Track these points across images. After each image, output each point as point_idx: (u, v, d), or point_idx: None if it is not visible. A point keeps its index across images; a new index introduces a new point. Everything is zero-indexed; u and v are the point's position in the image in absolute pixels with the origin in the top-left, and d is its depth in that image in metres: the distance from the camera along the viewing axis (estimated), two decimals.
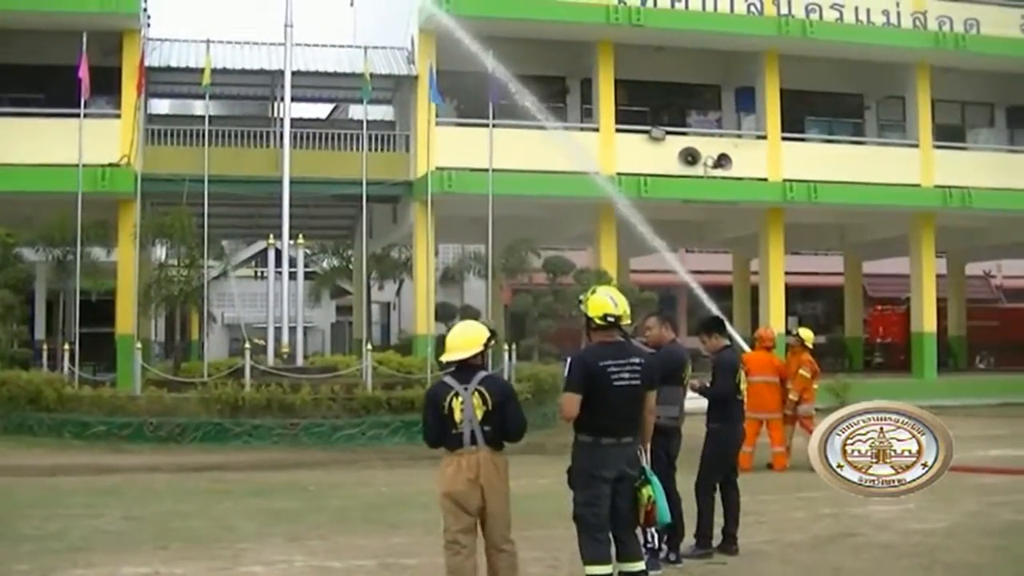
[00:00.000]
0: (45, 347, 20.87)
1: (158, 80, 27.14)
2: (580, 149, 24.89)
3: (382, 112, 30.65)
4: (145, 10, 24.59)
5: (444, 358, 6.66)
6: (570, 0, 25.35)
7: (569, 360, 6.69)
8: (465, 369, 6.54)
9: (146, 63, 23.67)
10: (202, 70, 22.40)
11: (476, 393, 6.45)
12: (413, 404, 17.80)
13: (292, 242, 21.41)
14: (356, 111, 30.18)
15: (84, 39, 20.54)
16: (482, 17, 23.38)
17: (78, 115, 20.92)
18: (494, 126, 23.20)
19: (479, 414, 6.42)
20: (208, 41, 23.78)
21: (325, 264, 33.20)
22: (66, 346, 19.43)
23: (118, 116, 23.60)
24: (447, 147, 24.55)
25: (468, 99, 26.14)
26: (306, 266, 25.58)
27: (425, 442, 6.72)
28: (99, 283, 24.66)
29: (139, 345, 19.72)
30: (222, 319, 33.45)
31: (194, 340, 29.58)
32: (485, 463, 6.43)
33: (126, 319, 22.99)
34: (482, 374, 6.56)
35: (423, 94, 24.54)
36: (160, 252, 25.34)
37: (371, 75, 24.05)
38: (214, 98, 26.55)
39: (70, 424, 17.46)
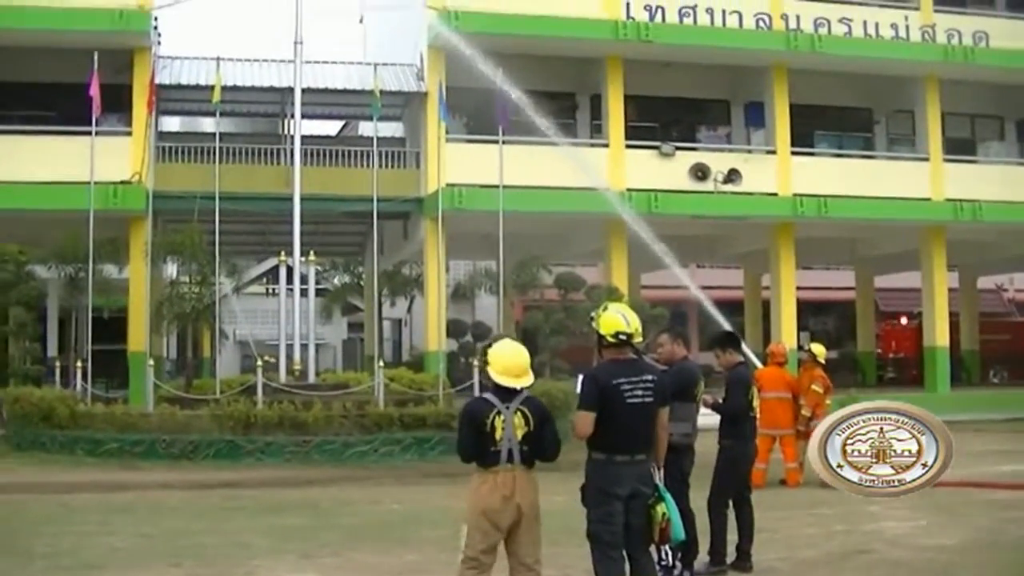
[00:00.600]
0: (57, 364, 20.89)
1: (169, 97, 27.26)
2: (590, 165, 24.92)
3: (392, 129, 30.75)
4: (156, 28, 24.68)
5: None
6: (578, 16, 25.37)
7: (582, 378, 6.72)
8: (506, 388, 6.55)
9: (157, 81, 23.75)
10: (212, 87, 22.43)
11: (518, 413, 6.49)
12: (425, 421, 17.88)
13: (303, 259, 21.37)
14: (366, 128, 30.29)
15: (95, 57, 20.60)
16: (491, 34, 23.41)
17: (89, 133, 20.94)
18: (504, 142, 23.16)
19: (519, 434, 6.46)
20: (218, 59, 23.89)
21: (336, 281, 33.21)
22: (78, 363, 19.47)
23: (129, 134, 23.71)
24: (457, 163, 24.52)
25: (478, 116, 26.19)
26: (317, 283, 25.58)
27: (459, 456, 6.68)
28: (111, 300, 24.71)
29: (151, 362, 19.77)
30: (234, 336, 33.50)
31: (206, 357, 29.58)
32: (521, 480, 6.47)
33: (138, 336, 23.07)
34: (523, 395, 6.59)
35: (433, 111, 24.65)
36: (172, 269, 25.42)
37: (381, 92, 24.10)
38: (224, 115, 26.59)
39: (83, 441, 17.43)
